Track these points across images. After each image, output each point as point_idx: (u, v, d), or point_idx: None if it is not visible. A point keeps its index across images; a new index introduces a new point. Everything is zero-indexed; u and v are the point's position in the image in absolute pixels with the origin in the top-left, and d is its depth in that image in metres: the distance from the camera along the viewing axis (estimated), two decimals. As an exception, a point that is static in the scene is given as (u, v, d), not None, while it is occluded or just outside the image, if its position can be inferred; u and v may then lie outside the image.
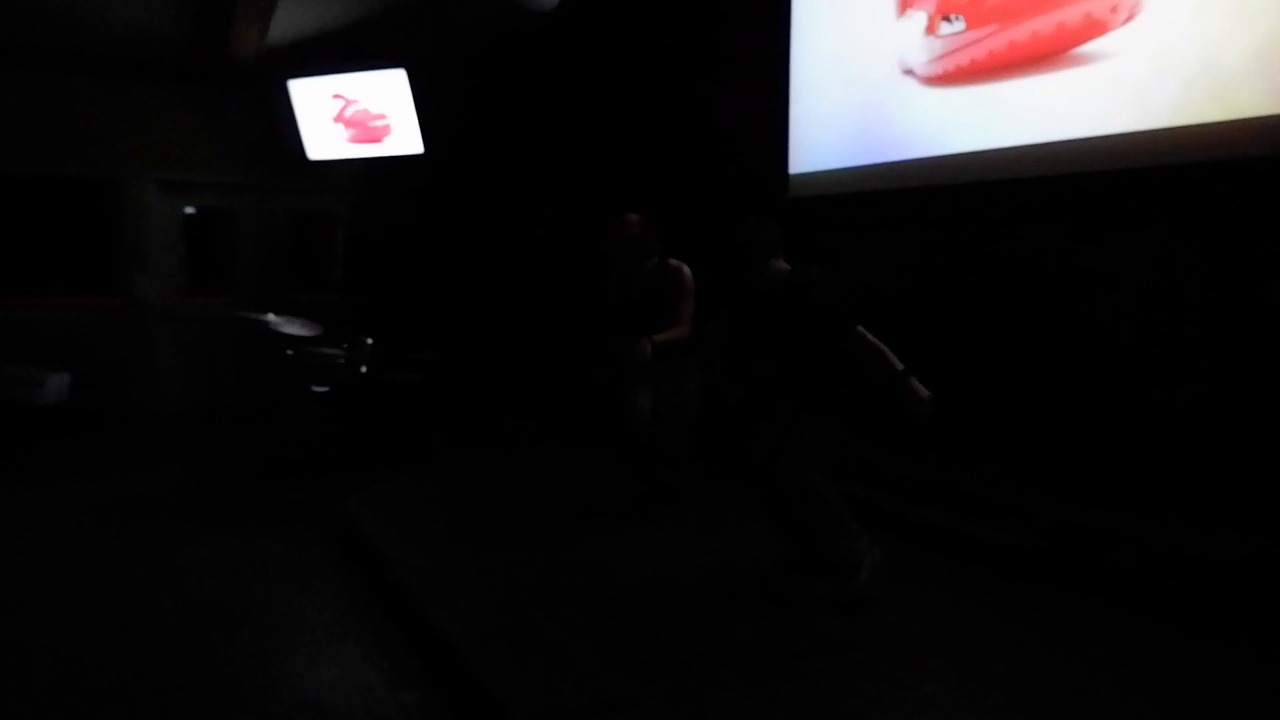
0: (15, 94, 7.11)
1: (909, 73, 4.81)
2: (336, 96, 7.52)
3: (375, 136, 7.54)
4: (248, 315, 6.00)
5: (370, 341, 6.18)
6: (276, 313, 6.01)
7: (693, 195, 6.07)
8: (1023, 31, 4.18)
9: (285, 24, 6.76)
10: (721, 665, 2.90)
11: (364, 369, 6.06)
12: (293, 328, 5.99)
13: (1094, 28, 3.87)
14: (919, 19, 4.72)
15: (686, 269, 4.46)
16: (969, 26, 4.45)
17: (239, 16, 6.46)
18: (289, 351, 6.09)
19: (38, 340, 6.97)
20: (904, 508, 4.33)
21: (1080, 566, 3.57)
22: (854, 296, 3.40)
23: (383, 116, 7.43)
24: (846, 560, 3.31)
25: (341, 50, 7.18)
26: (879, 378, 3.24)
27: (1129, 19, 3.72)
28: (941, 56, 4.62)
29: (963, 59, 4.50)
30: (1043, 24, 4.08)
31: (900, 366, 3.22)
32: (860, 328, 3.28)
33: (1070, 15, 3.96)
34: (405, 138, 7.37)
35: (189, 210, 8.21)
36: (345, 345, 6.13)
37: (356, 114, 7.52)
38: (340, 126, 7.63)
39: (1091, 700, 2.67)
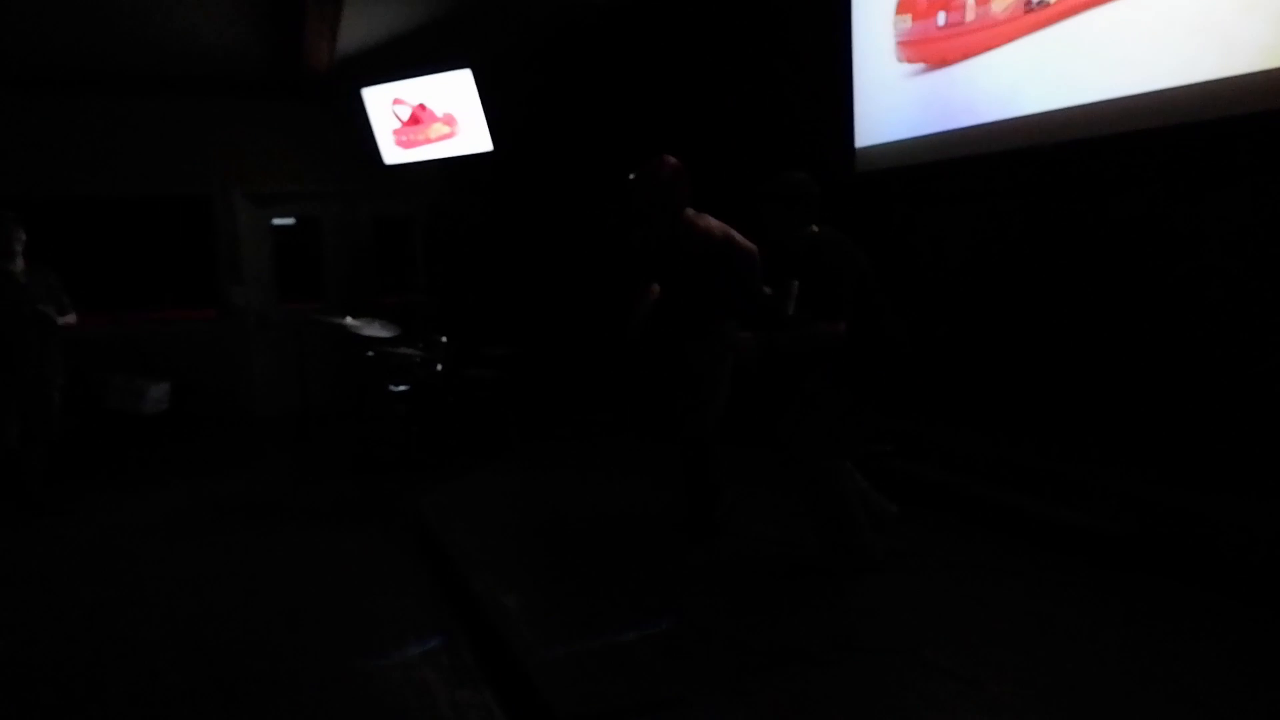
0: (109, 120, 7.52)
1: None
2: (404, 101, 7.65)
3: (445, 137, 7.63)
4: (328, 319, 6.17)
5: (445, 340, 6.27)
6: (355, 315, 6.17)
7: (756, 176, 5.92)
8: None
9: (354, 34, 6.90)
10: (780, 662, 2.79)
11: (439, 367, 6.15)
12: (371, 329, 6.13)
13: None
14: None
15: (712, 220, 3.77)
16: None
17: (308, 29, 6.62)
18: (369, 353, 6.25)
19: (143, 352, 7.33)
20: (986, 491, 4.12)
21: (1180, 554, 3.30)
22: (853, 274, 3.24)
23: (451, 117, 7.52)
24: (850, 556, 3.36)
25: (409, 55, 7.28)
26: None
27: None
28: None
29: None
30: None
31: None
32: (840, 323, 3.15)
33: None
34: (474, 137, 7.44)
35: (277, 221, 8.53)
36: (421, 344, 6.24)
37: (426, 116, 7.64)
38: (411, 130, 7.76)
39: (1182, 703, 2.45)
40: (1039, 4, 4.26)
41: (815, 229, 3.33)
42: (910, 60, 5.01)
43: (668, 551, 3.84)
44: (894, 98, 5.15)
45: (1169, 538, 3.37)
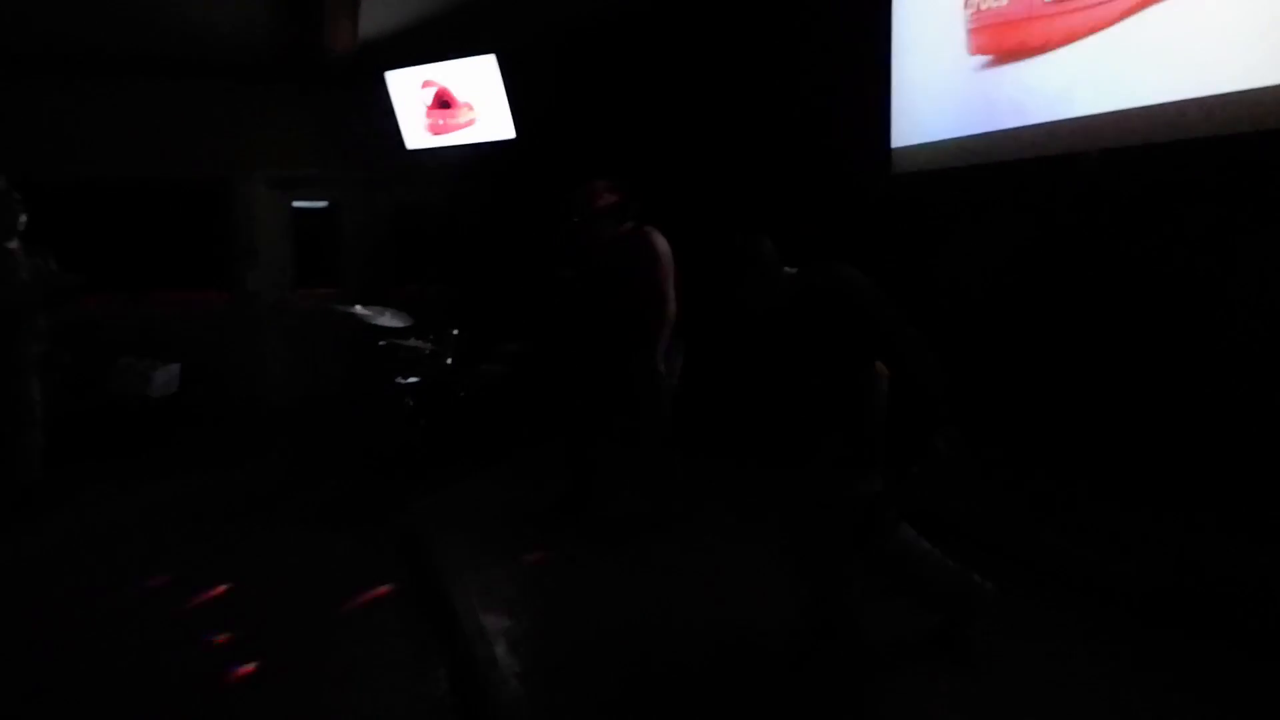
0: (131, 101, 7.37)
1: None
2: (429, 84, 7.45)
3: (470, 123, 7.42)
4: (337, 307, 5.99)
5: (455, 333, 6.06)
6: (367, 304, 5.98)
7: (785, 176, 5.62)
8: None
9: (379, 17, 6.71)
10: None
11: (449, 361, 5.95)
12: (383, 319, 5.93)
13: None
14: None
15: (658, 236, 3.92)
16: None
17: (329, 11, 6.44)
18: (380, 343, 6.05)
19: (155, 336, 7.21)
20: (1005, 532, 3.80)
21: (1214, 611, 2.98)
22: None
23: (472, 104, 7.31)
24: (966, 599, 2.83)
25: (433, 40, 7.07)
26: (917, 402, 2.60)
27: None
28: None
29: None
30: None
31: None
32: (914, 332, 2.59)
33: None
34: (496, 124, 7.22)
35: (303, 204, 8.37)
36: (431, 337, 6.03)
37: (449, 101, 7.43)
38: (435, 115, 7.56)
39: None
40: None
41: (790, 270, 2.78)
42: (982, 51, 4.47)
43: (657, 582, 3.58)
44: (945, 93, 4.75)
45: (1203, 593, 3.05)
